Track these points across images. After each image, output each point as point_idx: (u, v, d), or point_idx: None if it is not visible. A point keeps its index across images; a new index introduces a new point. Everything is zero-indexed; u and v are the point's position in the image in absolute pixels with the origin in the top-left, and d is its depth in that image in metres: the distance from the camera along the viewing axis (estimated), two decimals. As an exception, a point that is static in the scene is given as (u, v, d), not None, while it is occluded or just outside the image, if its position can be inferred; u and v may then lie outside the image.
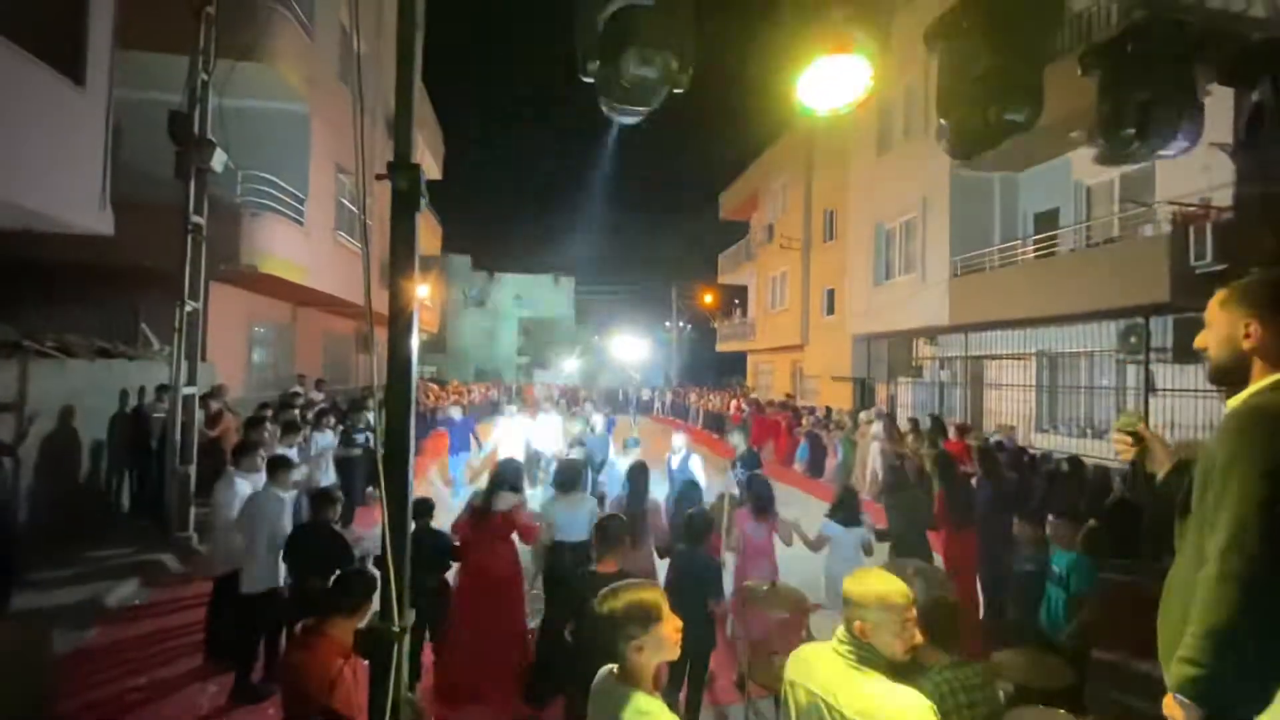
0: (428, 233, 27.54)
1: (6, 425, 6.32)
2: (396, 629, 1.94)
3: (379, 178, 1.78)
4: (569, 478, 4.76)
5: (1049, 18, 2.62)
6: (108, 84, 6.25)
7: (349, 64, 13.16)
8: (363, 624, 2.65)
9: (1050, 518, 4.02)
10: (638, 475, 5.08)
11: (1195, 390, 8.11)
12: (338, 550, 4.18)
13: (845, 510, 4.74)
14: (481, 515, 4.37)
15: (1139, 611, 2.07)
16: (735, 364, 30.88)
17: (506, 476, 4.56)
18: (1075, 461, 7.60)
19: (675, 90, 2.18)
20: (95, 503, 7.75)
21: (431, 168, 23.67)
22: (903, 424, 11.42)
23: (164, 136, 7.26)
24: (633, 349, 40.88)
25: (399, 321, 1.98)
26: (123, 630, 5.21)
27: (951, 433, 9.80)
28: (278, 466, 4.59)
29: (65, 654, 4.59)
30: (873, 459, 10.60)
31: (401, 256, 1.87)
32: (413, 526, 4.30)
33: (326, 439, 7.70)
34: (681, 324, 40.11)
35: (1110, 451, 9.34)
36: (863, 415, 12.62)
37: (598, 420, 9.40)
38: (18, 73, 5.15)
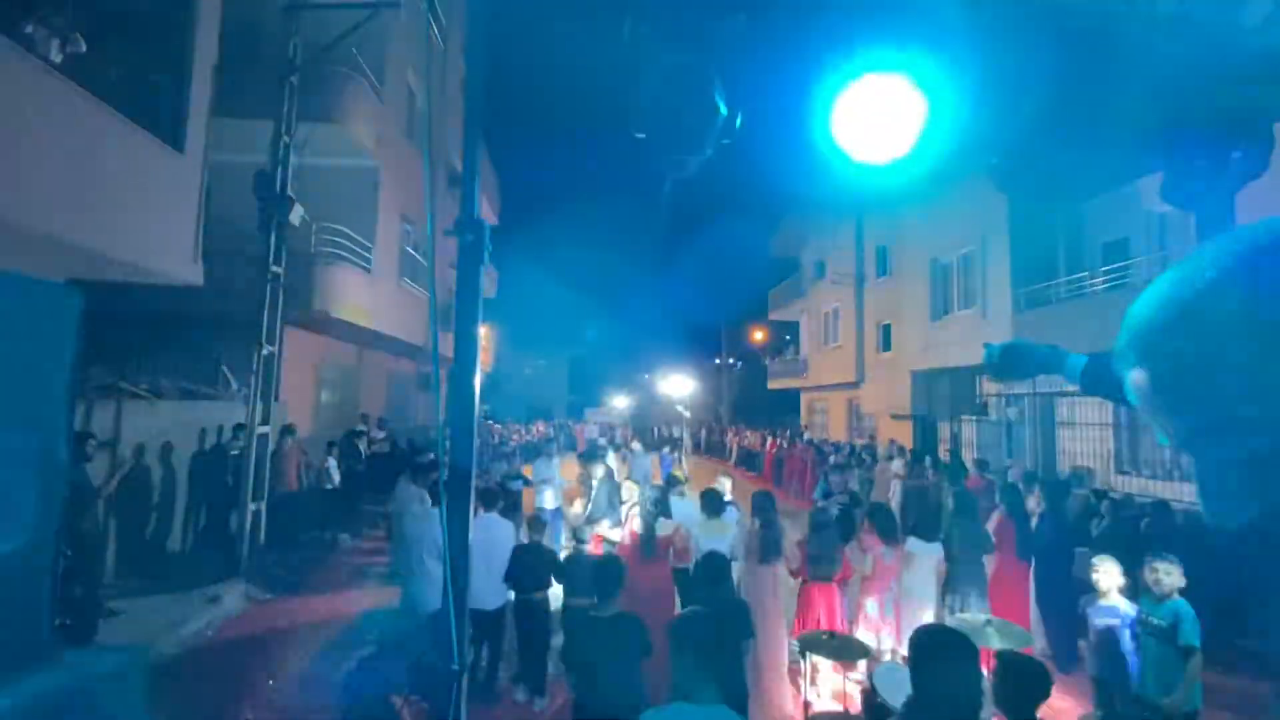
0: (484, 277, 28.63)
1: (103, 461, 6.83)
2: (455, 667, 1.97)
3: (447, 233, 1.91)
4: (715, 504, 5.40)
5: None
6: (203, 149, 6.88)
7: (414, 122, 14.04)
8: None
9: (1149, 561, 3.62)
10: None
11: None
12: (551, 566, 4.97)
13: (925, 529, 5.73)
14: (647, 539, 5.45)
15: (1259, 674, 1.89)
16: (788, 402, 30.23)
17: (660, 507, 5.61)
18: (1161, 506, 7.04)
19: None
20: (174, 535, 8.20)
21: (489, 216, 24.73)
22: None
23: (248, 193, 7.91)
24: (682, 386, 40.64)
25: (463, 363, 2.07)
26: (211, 649, 5.44)
27: (971, 469, 10.04)
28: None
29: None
30: (893, 494, 10.94)
31: (467, 304, 1.98)
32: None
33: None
34: (731, 361, 39.82)
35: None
36: (880, 452, 13.04)
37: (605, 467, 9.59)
38: (128, 141, 5.76)
